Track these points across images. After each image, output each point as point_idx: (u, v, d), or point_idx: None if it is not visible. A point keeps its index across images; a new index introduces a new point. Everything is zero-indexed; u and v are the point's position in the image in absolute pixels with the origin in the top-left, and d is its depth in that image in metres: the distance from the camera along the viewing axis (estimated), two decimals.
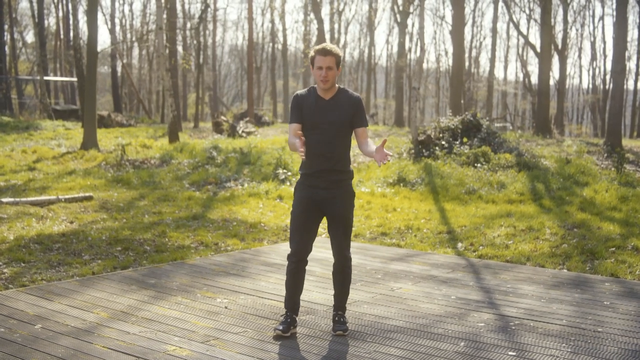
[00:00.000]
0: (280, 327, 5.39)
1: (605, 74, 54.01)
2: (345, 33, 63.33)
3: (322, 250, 8.62)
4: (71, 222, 10.94)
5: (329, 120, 5.27)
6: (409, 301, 6.55)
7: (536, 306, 6.38)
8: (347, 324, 5.55)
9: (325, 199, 5.37)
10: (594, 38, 75.35)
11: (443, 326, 5.73)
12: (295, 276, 5.51)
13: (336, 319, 5.56)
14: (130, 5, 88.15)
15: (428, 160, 17.54)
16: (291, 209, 5.50)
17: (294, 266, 5.48)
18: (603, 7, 73.06)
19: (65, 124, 31.98)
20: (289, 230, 10.57)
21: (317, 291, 6.83)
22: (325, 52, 5.23)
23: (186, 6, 52.68)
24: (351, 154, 19.24)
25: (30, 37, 59.67)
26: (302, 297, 5.68)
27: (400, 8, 44.39)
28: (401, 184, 15.12)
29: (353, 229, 10.89)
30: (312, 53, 5.30)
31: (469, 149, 17.70)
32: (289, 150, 19.95)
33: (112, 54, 47.46)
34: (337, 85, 5.42)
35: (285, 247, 9.16)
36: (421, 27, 22.43)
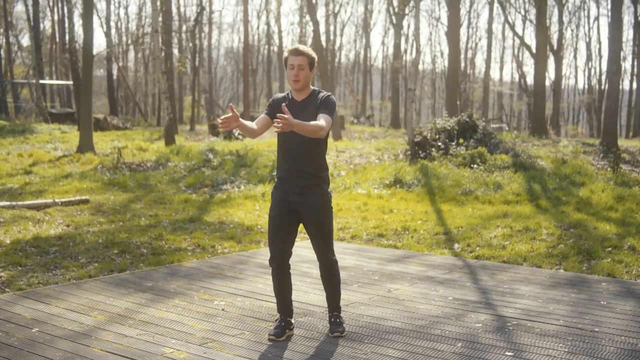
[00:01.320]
0: (274, 332, 5.40)
1: (600, 75, 54.10)
2: (341, 35, 63.56)
3: None
4: (67, 226, 10.93)
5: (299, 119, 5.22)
6: (406, 302, 6.55)
7: (533, 306, 6.38)
8: (343, 325, 5.55)
9: (298, 203, 5.33)
10: (590, 38, 75.36)
11: (440, 327, 5.73)
12: (280, 280, 5.52)
13: (332, 320, 5.56)
14: (126, 8, 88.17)
15: (424, 161, 17.54)
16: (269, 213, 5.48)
17: (276, 271, 5.50)
18: (598, 7, 73.48)
19: (61, 127, 31.94)
20: None
21: (314, 293, 6.82)
22: (297, 52, 5.25)
23: (182, 9, 52.78)
24: (347, 155, 19.24)
25: (25, 40, 59.62)
26: (298, 298, 5.68)
27: (396, 9, 44.44)
28: (397, 186, 15.12)
29: (350, 230, 10.90)
30: (285, 54, 5.31)
31: (465, 150, 17.72)
32: None
33: (107, 57, 47.42)
34: (311, 87, 5.41)
35: None
36: (417, 29, 22.47)
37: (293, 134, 5.22)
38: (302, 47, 5.26)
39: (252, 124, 5.23)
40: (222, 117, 4.93)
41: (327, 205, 5.41)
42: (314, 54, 5.32)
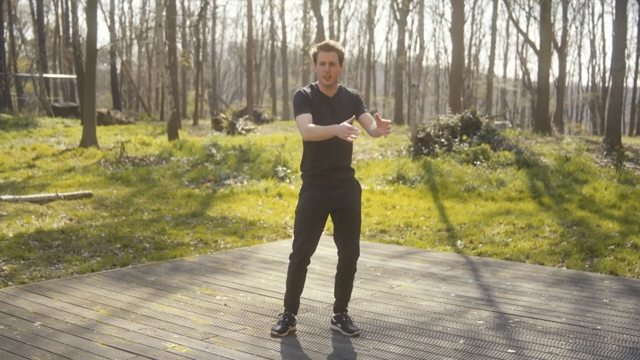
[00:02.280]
0: (278, 327, 5.39)
1: (604, 72, 54.01)
2: (345, 30, 63.36)
3: (322, 248, 8.59)
4: (70, 220, 10.94)
5: (336, 117, 5.21)
6: (408, 299, 6.55)
7: (535, 304, 6.38)
8: (354, 322, 5.57)
9: (337, 197, 5.31)
10: (594, 36, 75.36)
11: (442, 324, 5.73)
12: (298, 276, 5.48)
13: (343, 319, 5.52)
14: (130, 2, 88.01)
15: (427, 157, 17.53)
16: (298, 208, 5.39)
17: (297, 267, 5.45)
18: (603, 4, 73.15)
19: (64, 121, 31.96)
20: (288, 228, 10.62)
21: (317, 289, 6.83)
22: (328, 48, 5.18)
23: (185, 3, 52.85)
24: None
25: (29, 34, 59.67)
26: (302, 294, 5.66)
27: (400, 5, 44.37)
28: (400, 182, 15.12)
29: None
30: (314, 49, 5.24)
31: (469, 147, 17.70)
32: (289, 147, 19.95)
33: (111, 51, 47.45)
34: (337, 83, 5.39)
35: (284, 245, 9.16)
36: (421, 25, 22.42)
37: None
38: (332, 43, 5.21)
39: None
40: (348, 131, 4.85)
41: (360, 195, 5.49)
42: (343, 49, 5.28)
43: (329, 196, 5.31)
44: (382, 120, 4.93)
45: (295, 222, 5.43)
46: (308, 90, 5.34)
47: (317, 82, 5.38)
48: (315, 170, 5.33)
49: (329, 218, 5.46)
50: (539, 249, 9.27)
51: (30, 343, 4.99)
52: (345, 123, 4.85)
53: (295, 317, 5.56)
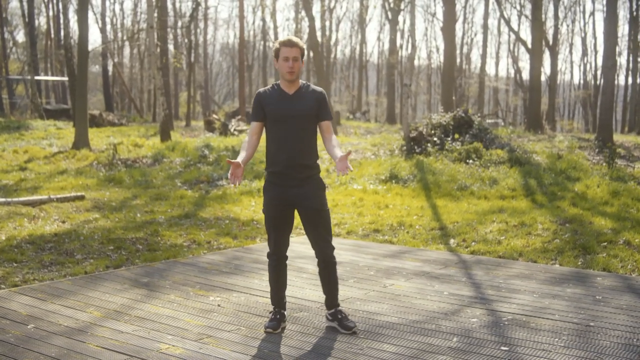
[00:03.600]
0: (270, 325, 5.43)
1: (596, 70, 54.15)
2: (337, 30, 63.43)
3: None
4: (63, 222, 10.92)
5: (293, 113, 5.23)
6: (402, 297, 6.55)
7: (528, 301, 6.39)
8: (349, 317, 5.57)
9: (296, 196, 5.32)
10: (585, 34, 75.41)
11: (436, 322, 5.74)
12: (278, 272, 5.54)
13: (339, 316, 5.52)
14: (121, 4, 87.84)
15: (420, 156, 17.54)
16: (263, 208, 5.47)
17: (276, 263, 5.52)
18: (593, 2, 73.47)
19: (56, 124, 31.90)
20: None
21: (310, 288, 6.83)
22: (291, 44, 5.21)
23: (177, 4, 52.67)
24: (343, 151, 19.25)
25: (20, 36, 59.49)
26: (294, 294, 5.69)
27: (391, 5, 44.42)
28: (393, 181, 15.13)
29: (346, 225, 10.90)
30: (276, 45, 5.27)
31: (461, 146, 17.72)
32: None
33: (103, 53, 47.37)
34: (299, 80, 5.40)
35: None
36: (412, 24, 22.45)
37: (288, 128, 5.23)
38: (295, 39, 5.24)
39: (249, 148, 5.32)
40: (229, 175, 5.02)
41: (323, 192, 5.44)
42: (304, 46, 5.34)
43: (288, 195, 5.34)
44: (347, 162, 4.95)
45: (264, 221, 5.51)
46: (267, 89, 5.42)
47: (279, 81, 5.41)
48: (273, 167, 5.38)
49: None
50: (532, 246, 9.28)
51: (24, 346, 4.97)
52: (230, 171, 5.05)
53: (285, 314, 5.57)
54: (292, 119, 5.22)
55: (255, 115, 5.38)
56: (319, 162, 5.48)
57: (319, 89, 5.38)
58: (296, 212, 5.46)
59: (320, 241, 5.42)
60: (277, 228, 5.42)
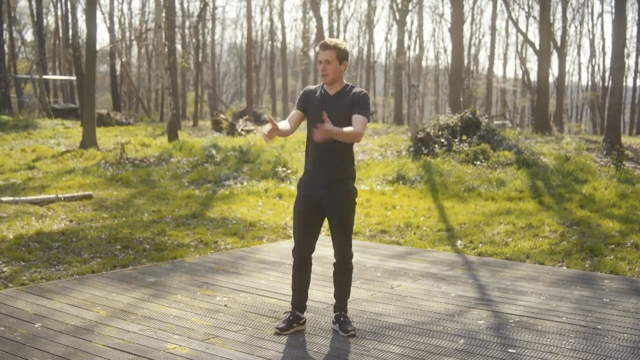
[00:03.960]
0: (281, 325, 5.43)
1: (604, 71, 53.96)
2: (344, 31, 63.32)
3: (321, 249, 8.58)
4: (70, 221, 10.94)
5: (331, 113, 5.16)
6: (409, 299, 6.55)
7: (536, 303, 6.38)
8: (352, 323, 5.55)
9: (323, 197, 5.33)
10: (593, 35, 75.15)
11: (442, 324, 5.73)
12: (299, 272, 5.54)
13: (341, 319, 5.52)
14: (129, 3, 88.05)
15: (427, 157, 17.53)
16: (294, 204, 5.49)
17: (297, 262, 5.53)
18: (602, 4, 73.37)
19: (64, 123, 31.96)
20: (288, 229, 10.63)
21: (317, 289, 6.82)
22: (324, 47, 5.21)
23: (185, 4, 52.65)
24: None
25: (29, 35, 59.61)
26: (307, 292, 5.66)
27: (399, 6, 44.39)
28: (400, 182, 15.12)
29: (353, 226, 10.88)
30: (317, 48, 5.31)
31: (468, 147, 17.70)
32: (289, 148, 19.95)
33: (111, 53, 47.44)
34: (345, 82, 5.38)
35: (284, 245, 9.16)
36: (420, 25, 22.43)
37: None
38: (329, 41, 5.22)
39: (286, 125, 5.24)
40: (265, 131, 4.94)
41: (352, 200, 5.42)
42: (343, 46, 5.24)
43: (318, 194, 5.34)
44: (324, 126, 4.84)
45: (293, 218, 5.52)
46: (314, 87, 5.46)
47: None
48: (307, 165, 5.41)
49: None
50: (539, 248, 9.26)
51: (30, 344, 4.98)
52: (268, 128, 4.95)
53: (302, 316, 5.56)
54: (329, 119, 5.15)
55: (298, 105, 5.41)
56: (354, 169, 5.46)
57: (360, 90, 5.33)
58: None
59: (340, 247, 5.45)
60: (302, 226, 5.43)
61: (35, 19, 40.55)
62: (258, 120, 36.83)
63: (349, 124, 5.18)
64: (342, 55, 5.24)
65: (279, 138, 23.78)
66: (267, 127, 4.95)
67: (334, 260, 5.53)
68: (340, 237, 5.42)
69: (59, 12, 51.55)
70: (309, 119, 5.35)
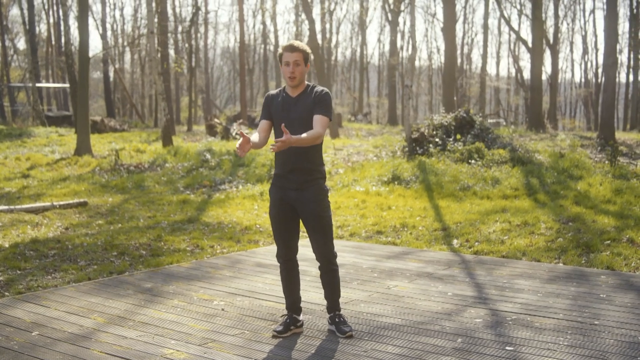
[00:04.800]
0: (278, 328, 5.44)
1: (597, 68, 54.11)
2: (337, 33, 63.33)
3: None
4: (66, 228, 10.93)
5: (293, 117, 5.23)
6: (405, 299, 6.55)
7: (532, 301, 6.39)
8: (348, 324, 5.55)
9: (296, 199, 5.33)
10: (585, 32, 75.48)
11: (440, 323, 5.74)
12: (286, 276, 5.57)
13: (337, 320, 5.51)
14: (121, 10, 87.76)
15: (422, 157, 17.54)
16: (268, 211, 5.51)
17: (283, 266, 5.56)
18: (594, 0, 73.35)
19: (58, 130, 31.92)
20: None
21: (314, 291, 6.83)
22: (292, 49, 5.22)
23: (177, 10, 52.70)
24: (345, 153, 19.23)
25: (21, 44, 59.53)
26: (299, 294, 5.66)
27: (391, 6, 44.44)
28: (395, 182, 15.13)
29: (348, 228, 10.90)
30: (280, 50, 5.29)
31: (463, 146, 17.72)
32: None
33: (104, 59, 47.39)
34: (307, 83, 5.40)
35: None
36: (412, 25, 22.46)
37: (291, 131, 5.20)
38: (296, 43, 5.24)
39: (256, 138, 5.21)
40: (237, 145, 4.91)
41: (324, 198, 5.40)
42: (308, 49, 5.31)
43: (288, 198, 5.36)
44: (281, 139, 4.80)
45: (271, 224, 5.55)
46: (274, 92, 5.46)
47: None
48: (276, 170, 5.43)
49: None
50: (535, 246, 9.27)
51: (28, 353, 4.98)
52: (240, 142, 4.87)
53: (299, 318, 5.57)
54: (292, 123, 5.21)
55: (263, 115, 5.42)
56: (324, 168, 5.47)
57: (321, 89, 5.33)
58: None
59: (320, 247, 5.44)
60: (279, 230, 5.44)
61: (27, 27, 40.45)
62: (252, 123, 36.85)
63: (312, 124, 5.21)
64: (307, 57, 5.29)
65: (273, 140, 23.67)
66: (239, 142, 4.96)
67: (318, 262, 5.53)
68: (319, 235, 5.38)
69: (51, 20, 51.56)
70: (275, 123, 5.37)
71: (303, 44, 5.27)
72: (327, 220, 5.40)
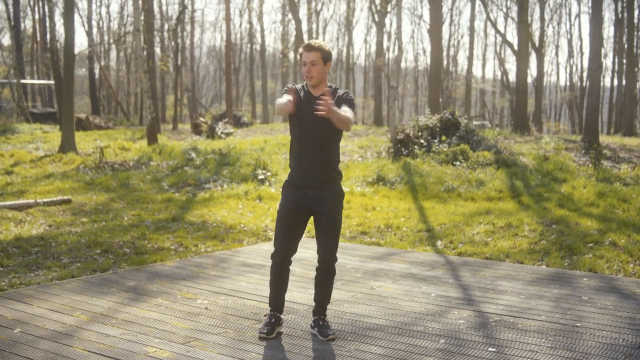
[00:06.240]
0: (265, 330, 5.38)
1: (582, 71, 54.50)
2: (324, 33, 63.37)
3: (302, 250, 8.59)
4: (50, 226, 10.88)
5: (315, 116, 5.02)
6: (389, 299, 6.56)
7: (515, 302, 6.42)
8: (331, 327, 5.53)
9: (314, 199, 5.28)
10: (571, 35, 75.85)
11: (423, 324, 5.75)
12: (279, 276, 5.48)
13: (320, 323, 5.48)
14: (108, 7, 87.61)
15: (407, 159, 17.58)
16: (278, 207, 5.42)
17: (277, 266, 5.45)
18: (579, 4, 73.81)
19: (42, 127, 31.77)
20: (268, 231, 10.61)
21: (298, 291, 6.83)
22: (309, 48, 5.16)
23: (164, 8, 52.61)
24: None
25: (6, 40, 59.13)
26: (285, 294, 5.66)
27: (378, 7, 44.47)
28: (380, 183, 15.15)
29: None
30: (300, 50, 5.24)
31: (448, 147, 17.77)
32: (269, 150, 19.94)
33: (89, 56, 47.18)
34: (329, 84, 5.35)
35: (265, 248, 9.16)
36: (399, 27, 22.49)
37: (309, 129, 5.17)
38: (314, 42, 5.18)
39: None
40: (289, 99, 4.91)
41: (341, 200, 5.40)
42: (327, 47, 5.21)
43: (304, 197, 5.30)
44: (324, 100, 4.79)
45: (276, 221, 5.45)
46: (298, 85, 5.36)
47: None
48: (293, 168, 5.35)
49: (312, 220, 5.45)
50: (518, 248, 9.32)
51: (10, 350, 4.95)
52: (291, 97, 4.90)
53: (282, 317, 5.56)
54: (313, 121, 5.10)
55: (287, 92, 5.17)
56: (340, 168, 5.41)
57: (345, 91, 5.29)
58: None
59: (326, 249, 5.39)
60: (286, 228, 5.35)
61: (12, 22, 40.19)
62: (238, 122, 36.80)
63: (333, 126, 5.08)
64: (326, 56, 5.21)
65: (258, 140, 23.80)
66: (291, 97, 4.92)
67: (317, 264, 5.48)
68: (329, 236, 5.34)
69: (37, 16, 51.27)
70: (295, 117, 5.22)
71: (322, 43, 5.20)
72: (340, 224, 5.39)
